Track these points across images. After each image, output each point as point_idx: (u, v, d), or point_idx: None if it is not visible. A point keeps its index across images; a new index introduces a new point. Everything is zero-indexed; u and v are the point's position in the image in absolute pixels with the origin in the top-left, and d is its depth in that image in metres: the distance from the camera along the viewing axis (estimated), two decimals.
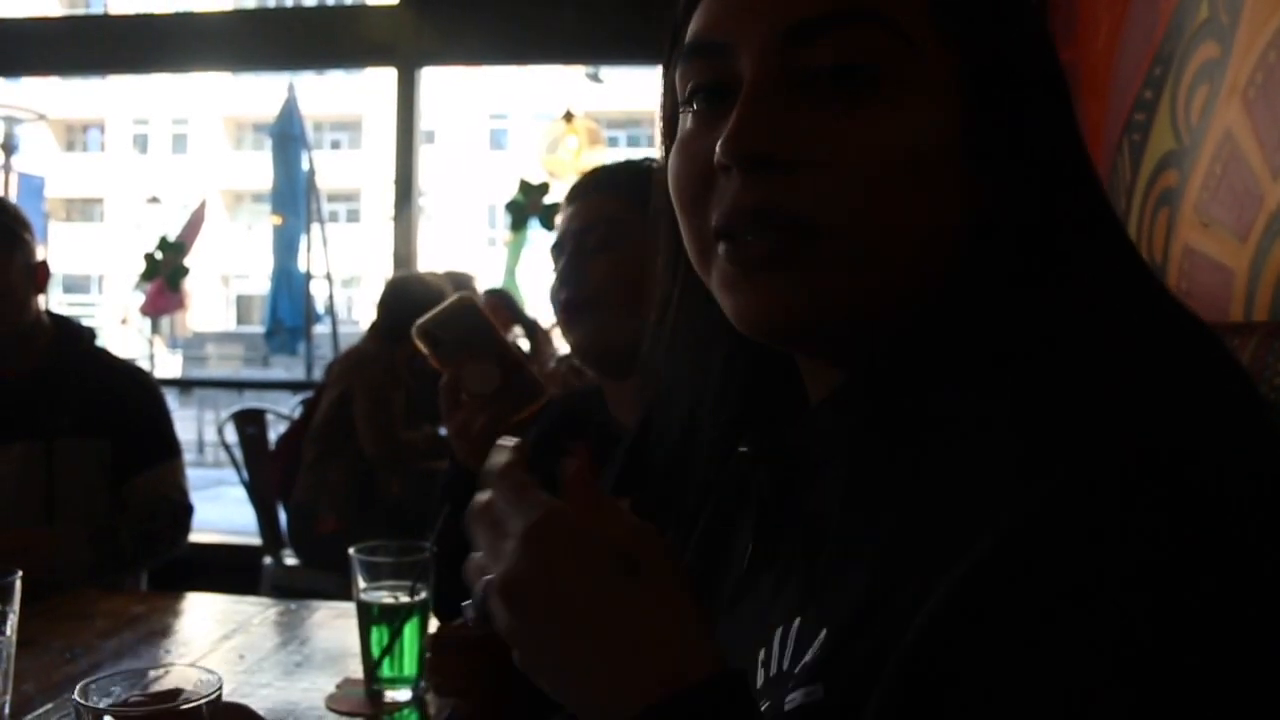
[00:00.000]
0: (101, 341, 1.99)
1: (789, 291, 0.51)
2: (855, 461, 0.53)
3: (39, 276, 1.82)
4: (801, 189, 0.49)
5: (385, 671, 1.14)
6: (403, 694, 1.15)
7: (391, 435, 3.08)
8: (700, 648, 0.45)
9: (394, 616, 1.14)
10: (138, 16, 4.70)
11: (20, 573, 1.02)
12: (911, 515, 0.47)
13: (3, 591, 0.99)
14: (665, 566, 0.47)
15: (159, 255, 8.09)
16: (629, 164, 1.32)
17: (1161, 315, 0.50)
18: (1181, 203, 1.35)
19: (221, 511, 5.43)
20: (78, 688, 0.67)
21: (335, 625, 1.43)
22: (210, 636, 1.38)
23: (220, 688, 0.69)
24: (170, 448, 1.93)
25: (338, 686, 1.19)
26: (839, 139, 0.49)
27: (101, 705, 0.67)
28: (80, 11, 20.89)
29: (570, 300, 1.21)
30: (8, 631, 1.00)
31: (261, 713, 0.73)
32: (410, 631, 1.14)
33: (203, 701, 0.67)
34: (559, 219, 1.29)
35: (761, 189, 0.50)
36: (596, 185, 1.27)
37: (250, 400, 5.21)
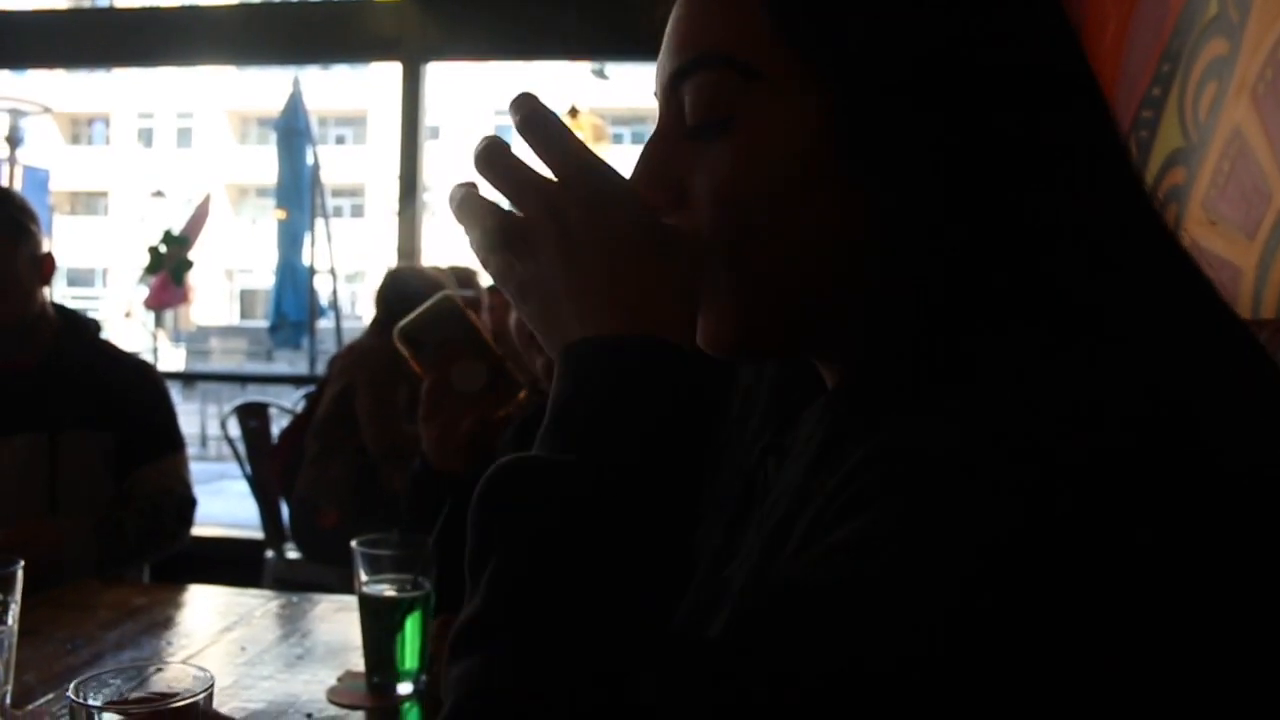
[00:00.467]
0: (105, 335, 1.99)
1: (701, 317, 0.55)
2: (822, 448, 0.55)
3: (45, 269, 1.82)
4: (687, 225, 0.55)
5: (387, 664, 1.14)
6: (405, 687, 1.15)
7: (394, 430, 3.07)
8: (685, 324, 0.51)
9: (396, 609, 1.13)
10: (143, 10, 4.69)
11: (22, 563, 1.02)
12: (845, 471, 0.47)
13: (5, 581, 1.00)
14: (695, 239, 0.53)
15: (163, 249, 8.12)
16: None
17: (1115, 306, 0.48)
18: (1189, 200, 1.35)
19: (224, 505, 5.44)
20: (73, 685, 0.67)
21: (337, 618, 1.43)
22: (212, 629, 1.38)
23: (212, 685, 0.69)
24: (173, 441, 1.93)
25: (339, 679, 1.19)
26: (699, 177, 0.54)
27: (97, 702, 0.67)
28: (85, 5, 20.90)
29: None
30: (10, 621, 1.00)
31: (263, 705, 0.73)
32: (412, 624, 1.14)
33: (195, 699, 0.67)
34: None
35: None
36: None
37: (253, 394, 5.21)
